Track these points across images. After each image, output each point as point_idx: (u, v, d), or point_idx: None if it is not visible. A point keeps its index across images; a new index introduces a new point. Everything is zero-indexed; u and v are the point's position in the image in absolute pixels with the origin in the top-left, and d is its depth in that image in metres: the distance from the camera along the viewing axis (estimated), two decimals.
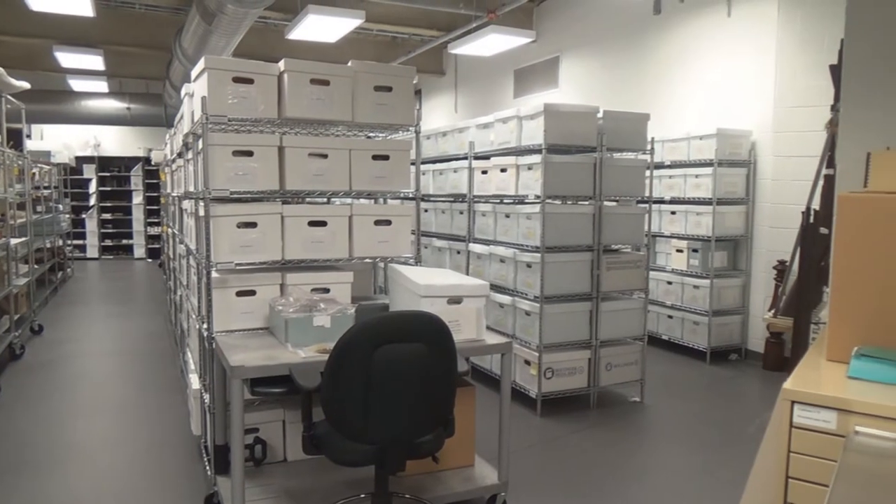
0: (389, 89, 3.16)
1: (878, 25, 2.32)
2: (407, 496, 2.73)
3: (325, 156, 3.09)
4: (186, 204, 3.89)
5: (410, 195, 3.35)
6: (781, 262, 5.19)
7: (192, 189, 3.49)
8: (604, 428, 4.04)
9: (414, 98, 3.24)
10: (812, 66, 4.99)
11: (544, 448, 3.72)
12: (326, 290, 3.12)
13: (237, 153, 2.92)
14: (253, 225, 2.99)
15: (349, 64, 3.10)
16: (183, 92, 3.67)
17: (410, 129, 3.29)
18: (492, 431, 3.64)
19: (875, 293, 1.90)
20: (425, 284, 2.73)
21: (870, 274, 1.91)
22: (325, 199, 3.88)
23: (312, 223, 3.10)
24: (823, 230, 2.83)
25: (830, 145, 2.81)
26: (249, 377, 2.44)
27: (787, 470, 1.73)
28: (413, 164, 3.33)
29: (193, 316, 3.63)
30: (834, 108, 2.92)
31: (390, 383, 2.15)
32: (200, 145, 2.99)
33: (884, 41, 2.30)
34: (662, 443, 3.83)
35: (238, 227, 2.96)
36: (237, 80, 2.89)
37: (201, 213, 2.99)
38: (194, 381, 3.53)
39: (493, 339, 2.89)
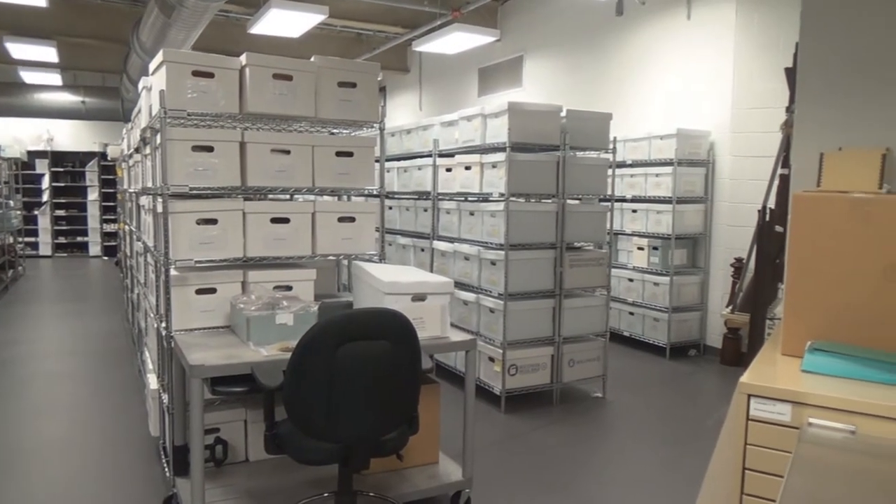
0: (353, 85, 3.14)
1: (832, 29, 2.39)
2: (371, 494, 2.72)
3: (288, 152, 3.05)
4: (144, 200, 3.80)
5: (375, 192, 3.33)
6: (738, 260, 5.32)
7: (149, 185, 3.41)
8: (567, 424, 4.09)
9: (378, 94, 3.22)
10: (768, 68, 5.11)
11: (508, 444, 3.74)
12: (289, 288, 3.09)
13: (197, 148, 2.87)
14: (213, 222, 2.94)
15: (312, 59, 3.06)
16: (141, 85, 3.58)
17: (375, 125, 3.27)
18: (456, 428, 3.64)
19: (828, 289, 1.96)
20: (389, 282, 2.72)
21: (823, 271, 1.97)
22: (287, 196, 3.83)
23: (275, 220, 3.06)
24: (779, 228, 2.91)
25: (785, 146, 2.89)
26: (209, 376, 2.40)
27: (744, 462, 1.77)
28: (377, 161, 3.31)
29: (151, 315, 3.55)
30: (789, 110, 2.99)
31: (354, 381, 2.13)
32: (158, 140, 2.92)
33: (837, 44, 2.37)
34: (624, 438, 3.89)
35: (198, 223, 2.91)
36: (197, 73, 2.83)
37: (159, 209, 2.92)
38: (152, 381, 3.45)
39: (457, 336, 2.90)
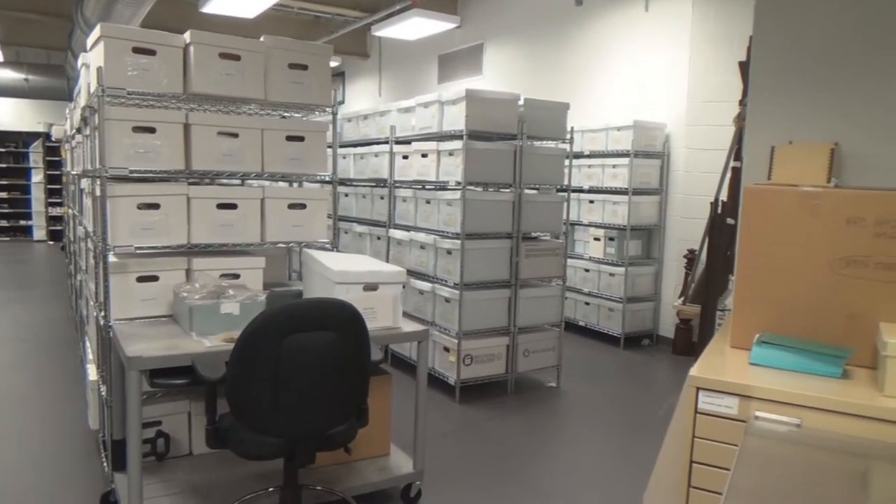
0: (305, 67, 3.04)
1: (784, 23, 2.39)
2: (318, 488, 2.65)
3: (236, 135, 2.93)
4: (84, 183, 3.63)
5: (327, 179, 3.24)
6: (691, 251, 5.39)
7: (89, 167, 3.25)
8: (521, 413, 4.08)
9: (331, 78, 3.12)
10: (723, 62, 5.17)
11: (462, 435, 3.71)
12: (237, 276, 2.98)
13: (138, 129, 2.73)
14: (155, 206, 2.81)
15: (262, 39, 2.95)
16: (80, 62, 3.41)
17: (327, 110, 3.17)
18: (409, 419, 3.60)
19: (776, 282, 1.96)
20: (339, 271, 2.65)
21: (772, 264, 1.97)
22: (239, 182, 3.70)
23: (221, 206, 2.95)
24: (730, 220, 2.93)
25: (738, 139, 2.90)
26: (148, 368, 2.30)
27: (692, 455, 1.76)
28: (330, 146, 3.21)
29: (91, 302, 3.40)
30: (742, 104, 3.01)
31: (299, 374, 2.06)
32: (97, 120, 2.78)
33: (789, 38, 2.38)
34: (578, 427, 3.90)
35: (139, 208, 2.78)
36: (138, 50, 2.69)
37: (98, 192, 2.79)
38: (91, 372, 3.31)
39: (409, 326, 2.84)
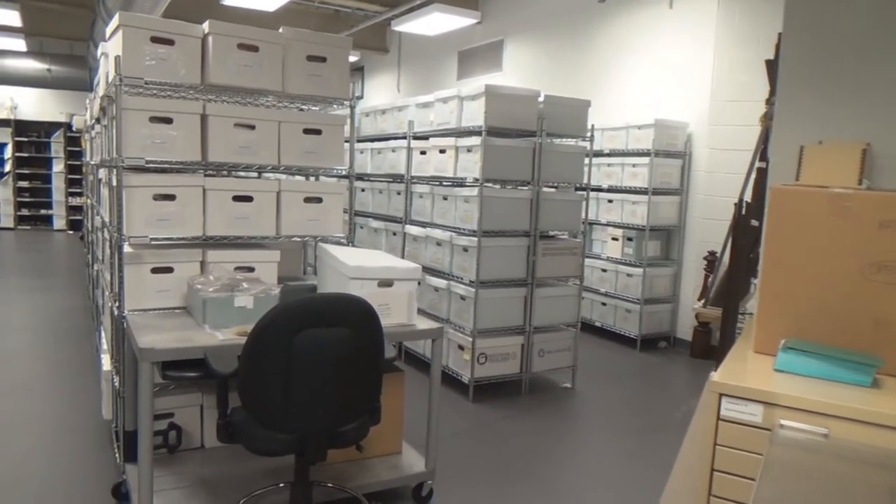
0: (324, 60, 3.01)
1: (815, 22, 2.32)
2: (329, 485, 2.63)
3: (253, 127, 2.91)
4: (102, 173, 3.63)
5: (344, 173, 3.21)
6: (711, 253, 5.30)
7: (106, 157, 3.25)
8: (535, 414, 4.03)
9: (349, 71, 3.09)
10: (748, 61, 5.07)
11: (475, 434, 3.67)
12: (251, 269, 2.97)
13: (155, 119, 2.72)
14: (171, 197, 2.80)
15: (280, 31, 2.92)
16: (99, 52, 3.41)
17: (345, 103, 3.14)
18: (422, 417, 3.56)
19: (802, 286, 1.90)
20: (354, 266, 2.61)
21: (798, 267, 1.91)
22: (256, 174, 3.69)
23: (237, 198, 2.93)
24: (754, 222, 2.86)
25: (764, 139, 2.83)
26: (160, 360, 2.28)
27: (713, 462, 1.71)
28: (347, 140, 3.18)
29: (107, 292, 3.40)
30: (769, 102, 2.93)
31: (311, 370, 2.03)
32: (115, 110, 2.77)
33: (820, 37, 2.31)
34: (592, 429, 3.85)
35: (154, 199, 2.76)
36: (156, 40, 2.68)
37: (114, 182, 2.78)
38: (106, 363, 3.31)
39: (424, 323, 2.81)
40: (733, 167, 5.17)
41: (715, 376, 1.71)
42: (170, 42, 2.70)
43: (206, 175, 2.88)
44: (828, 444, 1.53)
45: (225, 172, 3.32)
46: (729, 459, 1.68)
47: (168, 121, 2.74)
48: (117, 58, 2.60)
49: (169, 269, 2.84)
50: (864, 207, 1.81)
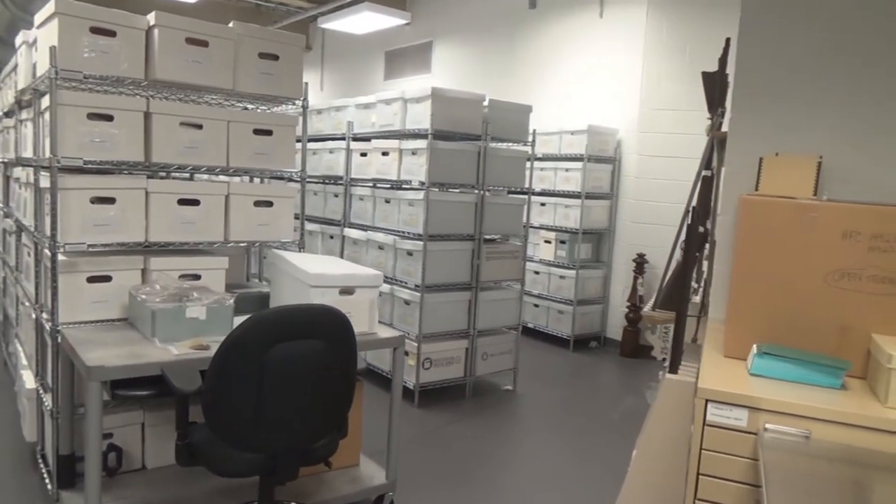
0: (276, 58, 2.88)
1: (769, 37, 2.43)
2: (293, 503, 2.52)
3: (200, 126, 2.74)
4: (19, 172, 3.32)
5: (295, 176, 3.09)
6: (640, 256, 5.50)
7: (30, 155, 2.97)
8: (481, 417, 4.04)
9: (302, 69, 2.97)
10: (675, 71, 5.29)
11: (424, 441, 3.63)
12: (197, 277, 2.80)
13: (93, 116, 2.51)
14: (111, 201, 2.59)
15: (231, 25, 2.77)
16: (19, 40, 3.12)
17: (296, 102, 3.02)
18: (372, 426, 3.49)
19: (771, 293, 1.98)
20: (315, 273, 2.51)
21: (766, 274, 1.99)
22: (205, 176, 3.49)
23: (182, 201, 2.75)
24: (701, 228, 2.97)
25: (710, 148, 2.94)
26: (111, 378, 2.10)
27: (699, 467, 1.75)
28: (299, 141, 3.06)
29: (27, 303, 3.11)
30: (716, 114, 3.06)
31: (285, 385, 1.93)
32: (45, 104, 2.54)
33: (774, 52, 2.42)
34: (536, 430, 3.89)
35: (92, 202, 2.55)
36: (96, 30, 2.47)
37: (44, 184, 2.54)
38: (28, 380, 3.02)
39: (385, 332, 2.74)
40: (661, 173, 5.39)
41: (701, 383, 1.75)
42: (111, 33, 2.50)
43: (149, 177, 2.69)
44: (812, 445, 1.59)
45: (163, 174, 3.11)
46: (715, 463, 1.73)
47: (108, 118, 2.53)
48: (52, 48, 2.38)
49: (107, 278, 2.63)
50: (829, 218, 1.91)
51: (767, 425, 1.66)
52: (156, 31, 2.56)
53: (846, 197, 2.28)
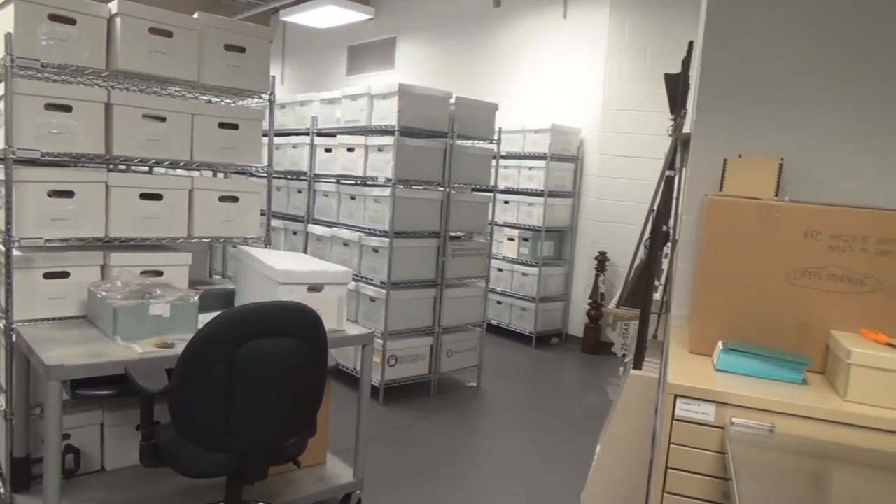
0: (242, 50, 2.82)
1: (733, 42, 2.49)
2: (260, 503, 2.48)
3: (163, 119, 2.68)
4: None
5: (262, 172, 3.04)
6: (602, 254, 5.58)
7: None
8: (446, 414, 4.05)
9: (269, 62, 2.92)
10: (637, 73, 5.38)
11: (390, 438, 3.62)
12: (159, 274, 2.73)
13: (51, 107, 2.42)
14: (69, 194, 2.51)
15: (196, 16, 2.71)
16: None
17: (263, 96, 2.97)
18: (340, 424, 3.47)
19: (735, 291, 2.04)
20: (284, 270, 2.48)
21: (731, 273, 2.04)
22: (162, 170, 3.40)
23: (145, 195, 2.68)
24: (664, 227, 3.03)
25: (673, 149, 3.00)
26: (72, 378, 2.04)
27: (667, 461, 1.79)
28: (265, 135, 3.02)
29: None
30: (678, 115, 3.12)
31: (256, 383, 1.90)
32: (0, 93, 2.44)
33: (737, 57, 2.48)
34: (501, 427, 3.92)
35: (49, 195, 2.47)
36: (55, 17, 2.38)
37: None
38: None
39: (353, 329, 2.72)
40: (623, 173, 5.48)
41: (670, 378, 1.79)
42: (71, 21, 2.41)
43: (109, 170, 2.61)
44: (777, 438, 1.65)
45: (124, 167, 3.02)
46: (682, 457, 1.77)
47: (67, 108, 2.45)
48: (8, 35, 2.29)
49: (64, 274, 2.55)
50: (791, 218, 1.97)
51: (734, 419, 1.71)
52: (118, 20, 2.49)
53: (805, 198, 2.36)
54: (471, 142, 4.43)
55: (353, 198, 4.32)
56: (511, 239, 5.99)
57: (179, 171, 3.34)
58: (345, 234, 4.36)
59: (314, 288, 2.56)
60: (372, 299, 4.16)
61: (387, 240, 4.00)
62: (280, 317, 1.92)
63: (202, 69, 2.72)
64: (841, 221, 1.93)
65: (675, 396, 1.78)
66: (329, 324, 2.61)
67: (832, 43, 2.31)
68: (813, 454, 1.60)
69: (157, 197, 2.70)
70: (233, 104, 3.11)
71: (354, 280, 4.30)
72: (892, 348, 1.74)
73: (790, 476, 1.47)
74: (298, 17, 7.54)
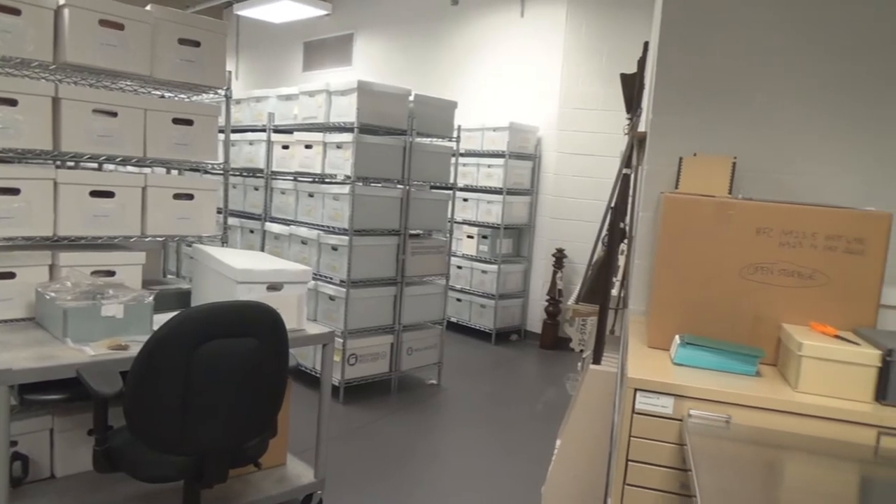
0: (197, 44, 2.76)
1: (687, 44, 2.55)
2: None
3: (115, 114, 2.60)
4: None
5: (218, 169, 2.98)
6: (559, 251, 5.65)
7: None
8: (407, 412, 4.04)
9: (225, 57, 2.86)
10: (593, 73, 5.46)
11: (350, 437, 3.60)
12: (111, 274, 2.65)
13: None
14: (14, 192, 2.42)
15: (149, 8, 2.63)
16: None
17: (219, 92, 2.91)
18: (298, 425, 3.43)
19: (691, 286, 2.09)
20: (243, 269, 2.44)
21: (687, 268, 2.09)
22: (112, 166, 3.30)
23: (95, 193, 2.60)
24: (621, 224, 3.09)
25: (630, 148, 3.06)
26: (19, 382, 1.96)
27: (627, 453, 1.82)
28: (222, 132, 2.95)
29: None
30: (634, 114, 3.18)
31: (215, 384, 1.86)
32: None
33: (691, 59, 2.54)
34: (463, 424, 3.93)
35: None
36: None
37: None
38: None
39: (313, 328, 2.69)
40: (579, 170, 5.55)
41: (630, 373, 1.82)
42: (15, 11, 2.32)
43: (57, 167, 2.52)
44: (731, 429, 1.69)
45: (72, 163, 2.93)
46: (642, 449, 1.81)
47: (12, 102, 2.35)
48: None
49: (10, 275, 2.45)
50: (745, 215, 2.03)
51: (691, 411, 1.75)
52: (66, 11, 2.40)
53: (757, 196, 2.43)
54: (430, 139, 4.43)
55: (311, 195, 4.27)
56: (470, 236, 6.01)
57: (130, 168, 3.25)
58: (303, 232, 4.31)
59: (273, 287, 2.53)
60: (331, 298, 4.13)
61: (346, 238, 3.97)
62: (239, 317, 1.89)
63: (155, 63, 2.65)
64: (791, 218, 1.99)
65: (635, 390, 1.81)
66: (289, 323, 2.57)
67: (785, 44, 2.39)
68: (767, 443, 1.65)
69: (109, 194, 2.62)
70: (187, 99, 3.04)
71: (313, 279, 4.26)
72: (840, 340, 1.81)
73: (747, 465, 1.52)
74: (252, 12, 7.42)
